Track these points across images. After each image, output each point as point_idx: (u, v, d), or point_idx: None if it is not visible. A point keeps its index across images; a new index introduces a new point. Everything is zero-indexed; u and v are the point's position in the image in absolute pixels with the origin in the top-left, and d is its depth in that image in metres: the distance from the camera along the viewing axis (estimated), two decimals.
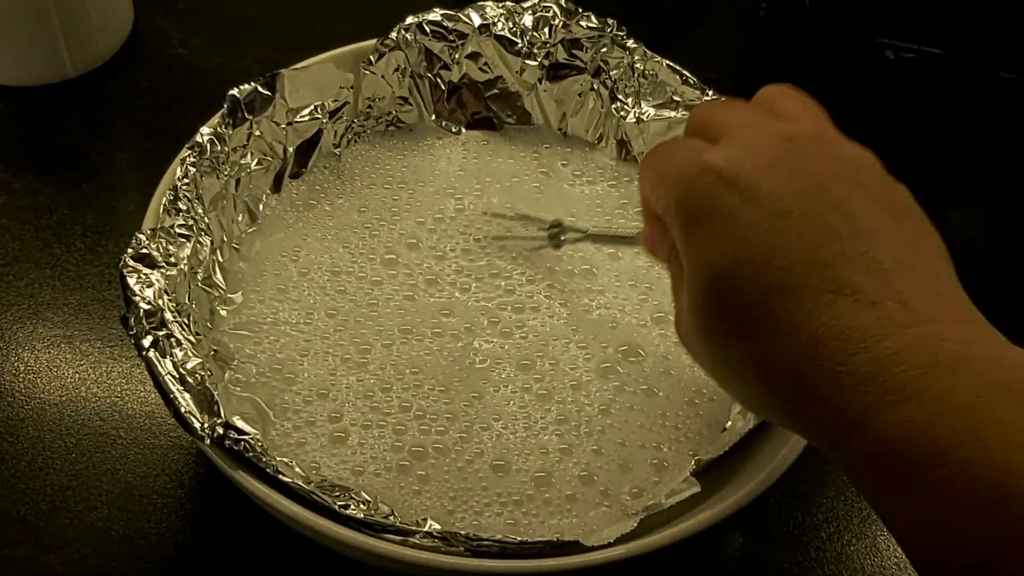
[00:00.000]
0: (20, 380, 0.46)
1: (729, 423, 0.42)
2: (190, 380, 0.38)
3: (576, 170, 0.51)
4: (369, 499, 0.37)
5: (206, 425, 0.37)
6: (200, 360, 0.39)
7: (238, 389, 0.42)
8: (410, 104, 0.51)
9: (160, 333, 0.39)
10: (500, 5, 0.50)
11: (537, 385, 0.43)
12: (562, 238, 0.47)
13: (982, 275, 0.52)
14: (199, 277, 0.43)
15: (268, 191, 0.48)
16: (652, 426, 0.43)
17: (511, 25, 0.50)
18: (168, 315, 0.39)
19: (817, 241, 0.30)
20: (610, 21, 0.50)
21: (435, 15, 0.50)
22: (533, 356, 0.44)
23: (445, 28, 0.50)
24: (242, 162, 0.47)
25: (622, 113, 0.50)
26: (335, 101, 0.49)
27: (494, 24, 0.50)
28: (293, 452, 0.41)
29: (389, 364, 0.43)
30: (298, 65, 0.48)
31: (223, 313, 0.44)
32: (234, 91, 0.46)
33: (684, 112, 0.49)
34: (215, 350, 0.43)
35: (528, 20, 0.50)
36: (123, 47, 0.59)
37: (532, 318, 0.46)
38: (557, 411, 0.43)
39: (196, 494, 0.44)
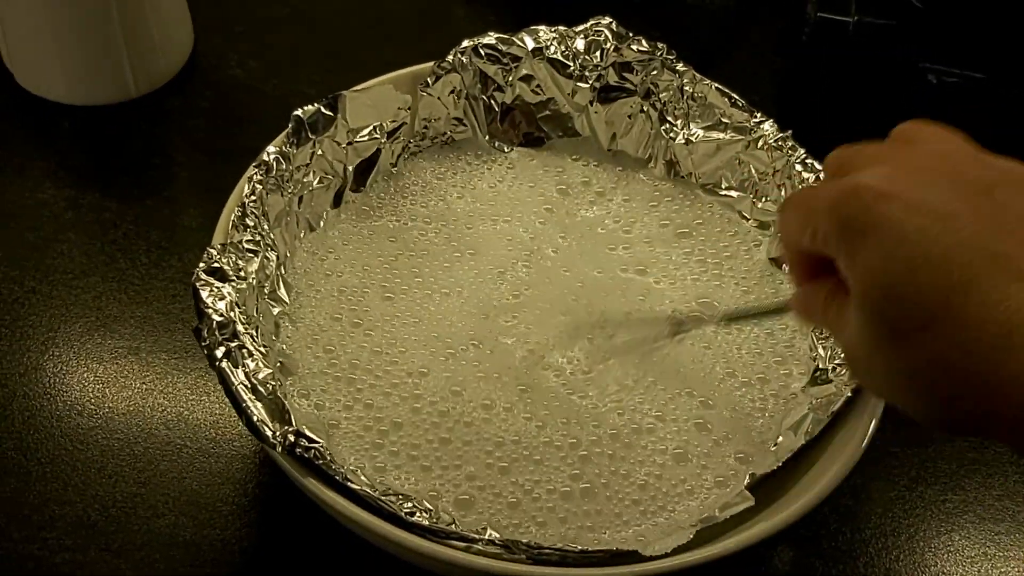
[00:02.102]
0: (90, 390, 0.48)
1: (780, 439, 0.43)
2: (261, 390, 0.39)
3: (625, 195, 0.52)
4: (431, 508, 0.38)
5: (278, 433, 0.38)
6: (271, 371, 0.40)
7: (302, 400, 0.44)
8: (464, 125, 0.53)
9: (232, 344, 0.40)
10: (553, 29, 0.52)
11: (592, 398, 0.45)
12: (683, 329, 0.45)
13: None
14: (266, 291, 0.45)
15: (329, 208, 0.50)
16: (707, 441, 0.44)
17: (564, 48, 0.52)
18: (240, 327, 0.41)
19: (993, 236, 0.30)
20: (660, 45, 0.51)
21: (490, 39, 0.52)
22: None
23: (499, 51, 0.52)
24: (304, 180, 0.49)
25: (671, 134, 0.52)
26: (393, 121, 0.51)
27: (547, 48, 0.52)
28: (357, 462, 0.42)
29: (447, 381, 0.45)
30: (359, 87, 0.50)
31: (287, 327, 0.46)
32: (298, 112, 0.48)
33: (732, 134, 0.50)
34: (280, 362, 0.44)
35: (580, 44, 0.52)
36: (183, 68, 0.61)
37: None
38: (612, 425, 0.44)
39: (260, 502, 0.45)
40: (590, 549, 0.38)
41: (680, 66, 0.51)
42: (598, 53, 0.52)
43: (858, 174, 0.32)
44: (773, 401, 0.45)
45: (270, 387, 0.39)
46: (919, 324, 0.30)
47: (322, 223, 0.50)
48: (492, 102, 0.53)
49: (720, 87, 0.51)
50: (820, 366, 0.45)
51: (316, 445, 0.38)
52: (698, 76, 0.51)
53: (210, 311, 0.41)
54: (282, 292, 0.46)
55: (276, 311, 0.45)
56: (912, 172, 0.31)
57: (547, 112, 0.53)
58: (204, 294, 0.41)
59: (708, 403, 0.45)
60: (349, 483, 0.38)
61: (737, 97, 0.50)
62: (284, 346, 0.45)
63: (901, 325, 0.30)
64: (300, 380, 0.44)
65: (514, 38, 0.52)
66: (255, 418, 0.38)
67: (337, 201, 0.50)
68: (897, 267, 0.30)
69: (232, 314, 0.41)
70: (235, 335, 0.40)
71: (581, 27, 0.52)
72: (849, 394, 0.42)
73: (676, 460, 0.43)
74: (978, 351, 0.29)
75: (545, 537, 0.40)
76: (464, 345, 0.46)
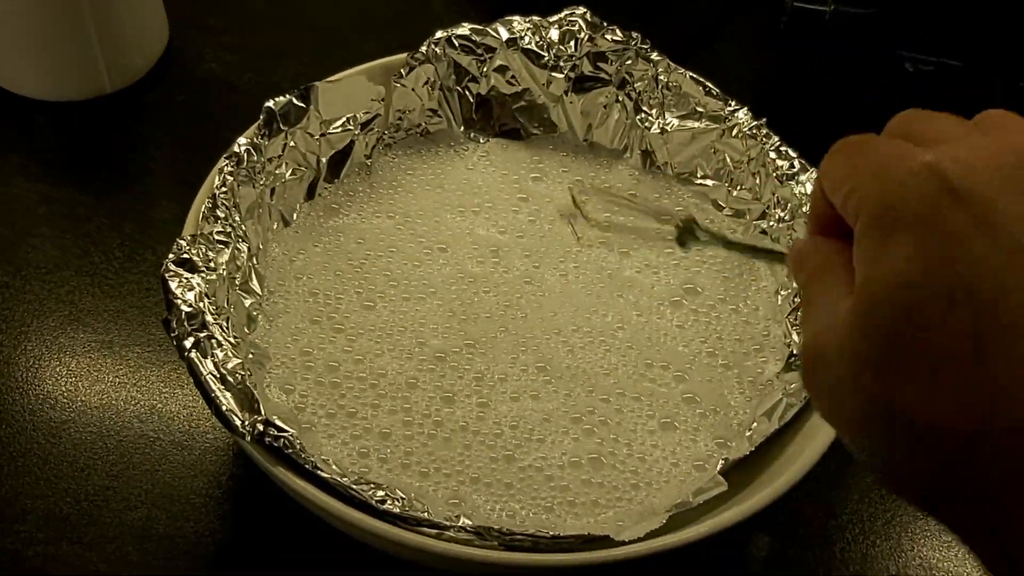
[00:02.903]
0: (63, 384, 0.48)
1: (755, 424, 0.43)
2: (231, 379, 0.39)
3: (608, 179, 0.52)
4: (404, 496, 0.38)
5: (246, 422, 0.38)
6: (240, 360, 0.40)
7: (275, 391, 0.43)
8: (439, 116, 0.53)
9: (201, 335, 0.40)
10: (527, 20, 0.52)
11: (566, 385, 0.44)
12: (695, 236, 0.41)
13: None
14: (237, 282, 0.44)
15: (302, 199, 0.50)
16: (687, 420, 0.44)
17: (538, 39, 0.52)
18: (209, 317, 0.40)
19: None
20: (634, 34, 0.51)
21: (464, 29, 0.52)
22: (562, 357, 0.45)
23: (473, 42, 0.52)
24: (277, 172, 0.48)
25: (646, 124, 0.52)
26: (367, 113, 0.51)
27: (521, 38, 0.51)
28: (330, 451, 0.42)
29: (426, 367, 0.45)
30: (331, 78, 0.50)
31: (260, 318, 0.45)
32: (270, 103, 0.48)
33: (708, 122, 0.50)
34: (252, 353, 0.44)
35: (554, 34, 0.52)
36: (158, 63, 0.61)
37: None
38: (586, 409, 0.44)
39: (233, 494, 0.45)
40: (562, 535, 0.37)
41: (655, 55, 0.51)
42: (572, 43, 0.51)
43: (929, 150, 0.25)
44: (750, 387, 0.45)
45: (239, 376, 0.39)
46: (934, 361, 0.24)
47: (295, 214, 0.49)
48: (467, 93, 0.53)
49: (695, 76, 0.51)
50: (794, 352, 0.45)
51: (285, 434, 0.38)
52: (672, 65, 0.51)
53: (179, 301, 0.40)
54: (254, 283, 0.46)
55: (248, 303, 0.45)
56: (991, 166, 0.25)
57: (522, 103, 0.53)
58: (173, 285, 0.41)
59: (685, 378, 0.45)
60: (319, 472, 0.38)
61: (711, 86, 0.50)
62: (258, 340, 0.45)
63: (905, 353, 0.24)
64: (271, 371, 0.44)
65: (488, 29, 0.52)
66: (223, 407, 0.38)
67: (311, 193, 0.50)
68: (929, 283, 0.24)
69: (201, 304, 0.41)
70: (204, 325, 0.40)
71: (555, 17, 0.52)
72: None
73: (648, 445, 0.43)
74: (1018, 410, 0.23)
75: (516, 524, 0.40)
76: (446, 351, 0.45)
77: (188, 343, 0.40)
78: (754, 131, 0.49)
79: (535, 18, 0.52)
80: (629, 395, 0.44)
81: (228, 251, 0.44)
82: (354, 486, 0.38)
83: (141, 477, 0.45)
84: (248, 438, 0.38)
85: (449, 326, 0.46)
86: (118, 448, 0.46)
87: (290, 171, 0.49)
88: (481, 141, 0.53)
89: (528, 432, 0.43)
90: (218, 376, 0.39)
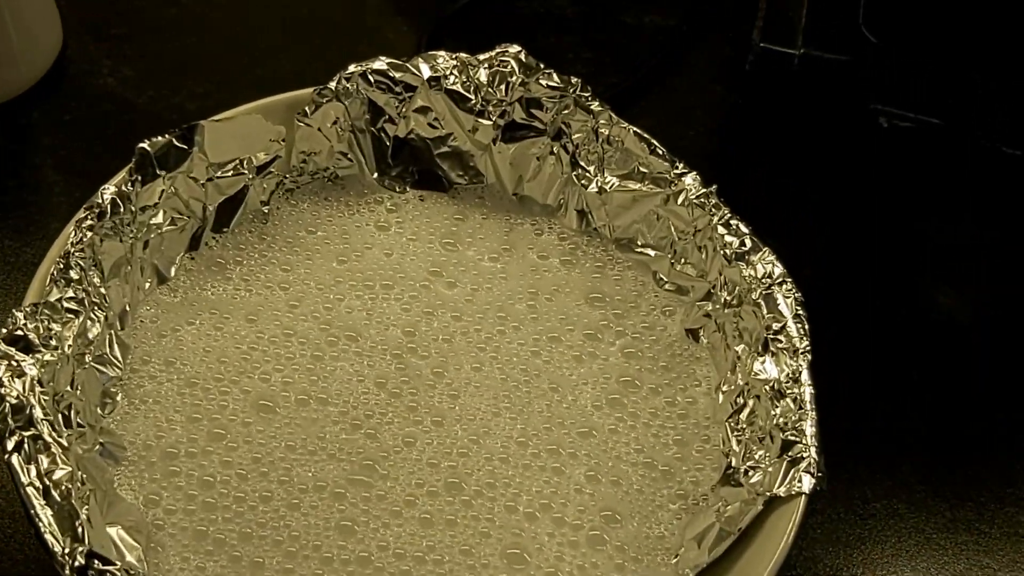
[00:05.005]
0: None
1: (683, 549, 0.37)
2: (54, 494, 0.33)
3: (535, 244, 0.46)
4: None
5: (67, 551, 0.32)
6: (69, 470, 0.33)
7: (125, 490, 0.37)
8: (349, 160, 0.46)
9: (27, 434, 0.34)
10: (453, 56, 0.45)
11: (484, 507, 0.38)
12: None
13: (968, 366, 0.48)
14: (88, 359, 0.38)
15: (182, 251, 0.43)
16: (609, 541, 0.38)
17: (464, 79, 0.45)
18: (38, 412, 0.34)
19: None
20: (574, 80, 0.45)
21: (380, 63, 0.45)
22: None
23: (391, 79, 0.45)
24: (152, 222, 0.42)
25: (583, 182, 0.45)
26: (264, 155, 0.44)
27: (445, 77, 0.45)
28: (184, 568, 0.36)
29: (324, 489, 0.38)
30: (219, 116, 0.43)
31: (119, 396, 0.39)
32: (144, 144, 0.41)
33: (651, 185, 0.44)
34: (101, 443, 0.37)
35: (483, 75, 0.45)
36: (47, 75, 0.54)
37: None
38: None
39: None
40: None
41: (595, 105, 0.45)
42: (503, 86, 0.45)
43: None
44: (679, 501, 0.39)
45: (65, 490, 0.33)
46: None
47: (173, 269, 0.43)
48: (382, 135, 0.46)
49: (639, 131, 0.44)
50: (733, 463, 0.39)
51: (111, 568, 0.32)
52: (614, 118, 0.45)
53: (4, 391, 0.34)
54: (115, 354, 0.40)
55: (104, 379, 0.39)
56: None
57: (445, 148, 0.47)
58: (0, 370, 0.35)
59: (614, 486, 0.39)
60: None
61: (657, 144, 0.44)
62: (114, 426, 0.38)
63: None
64: (126, 463, 0.38)
65: (408, 64, 0.45)
66: (43, 530, 0.32)
67: (195, 244, 0.44)
68: None
69: (31, 396, 0.34)
70: (31, 422, 0.34)
71: (485, 55, 0.45)
72: (760, 507, 0.36)
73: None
74: None
75: None
76: (348, 471, 0.39)
77: (9, 444, 0.33)
78: (702, 200, 0.43)
79: (463, 55, 0.46)
80: (556, 502, 0.38)
81: (79, 322, 0.38)
82: None
83: None
84: (67, 570, 0.32)
85: (351, 439, 0.39)
86: None
87: (168, 220, 0.42)
88: (396, 190, 0.47)
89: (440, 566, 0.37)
90: (40, 488, 0.33)
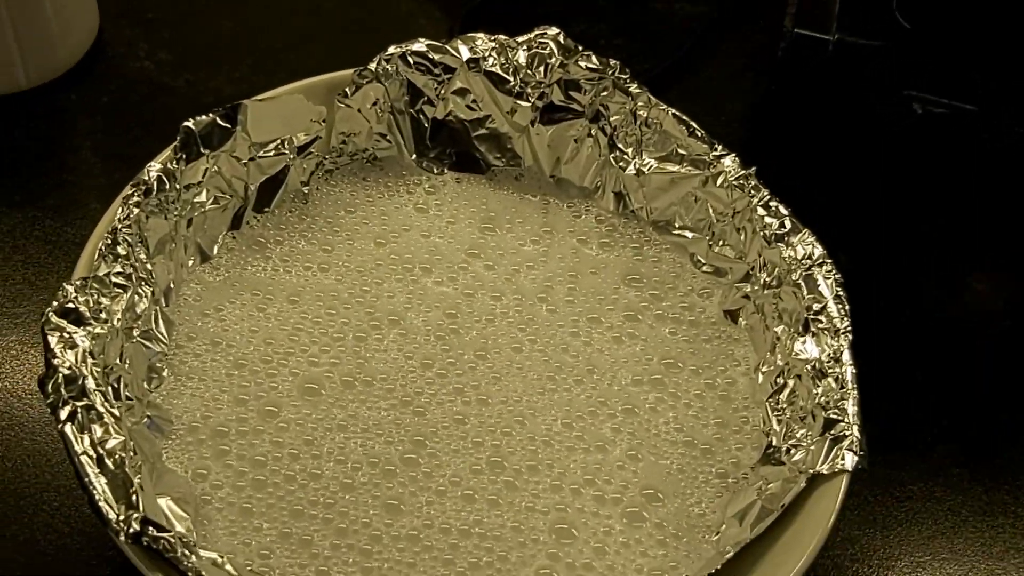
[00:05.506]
0: None
1: (724, 526, 0.37)
2: (108, 462, 0.33)
3: (573, 226, 0.46)
4: None
5: (121, 519, 0.32)
6: (122, 439, 0.34)
7: (173, 463, 0.37)
8: (388, 141, 0.47)
9: (80, 404, 0.34)
10: (492, 38, 0.46)
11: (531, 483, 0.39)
12: None
13: (1007, 351, 0.48)
14: (135, 333, 0.38)
15: (225, 230, 0.44)
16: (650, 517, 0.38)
17: (503, 61, 0.45)
18: (91, 383, 0.34)
19: None
20: (612, 62, 0.45)
21: (420, 45, 0.45)
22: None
23: (431, 60, 0.45)
24: (195, 200, 0.42)
25: (621, 164, 0.46)
26: (305, 135, 0.45)
27: (484, 59, 0.45)
28: (231, 542, 0.36)
29: (372, 468, 0.38)
30: (263, 96, 0.44)
31: (165, 371, 0.40)
32: (189, 123, 0.42)
33: (689, 167, 0.44)
34: (149, 416, 0.38)
35: (522, 57, 0.45)
36: (84, 58, 0.54)
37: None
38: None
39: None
40: None
41: (634, 88, 0.45)
42: (542, 68, 0.45)
43: None
44: (719, 480, 0.40)
45: (119, 459, 0.33)
46: None
47: (216, 248, 0.43)
48: (421, 117, 0.46)
49: (677, 113, 0.45)
50: (773, 443, 0.39)
51: (166, 535, 0.32)
52: (653, 100, 0.45)
53: (57, 362, 0.34)
54: (161, 330, 0.40)
55: (151, 354, 0.39)
56: None
57: (483, 131, 0.47)
58: (52, 341, 0.35)
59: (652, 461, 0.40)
60: None
61: (695, 126, 0.44)
62: (161, 400, 0.39)
63: None
64: (173, 437, 0.38)
65: (447, 46, 0.46)
66: (97, 498, 0.32)
67: (236, 223, 0.44)
68: None
69: (83, 367, 0.35)
70: (84, 392, 0.34)
71: (524, 37, 0.46)
72: (803, 484, 0.37)
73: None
74: None
75: None
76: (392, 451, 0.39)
77: (63, 414, 0.34)
78: (741, 181, 0.43)
79: (502, 37, 0.46)
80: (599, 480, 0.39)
81: (127, 296, 0.38)
82: None
83: (16, 548, 0.39)
84: (122, 536, 0.32)
85: (401, 418, 0.40)
86: None
87: (211, 199, 0.43)
88: (435, 172, 0.47)
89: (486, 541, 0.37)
90: (94, 457, 0.33)
